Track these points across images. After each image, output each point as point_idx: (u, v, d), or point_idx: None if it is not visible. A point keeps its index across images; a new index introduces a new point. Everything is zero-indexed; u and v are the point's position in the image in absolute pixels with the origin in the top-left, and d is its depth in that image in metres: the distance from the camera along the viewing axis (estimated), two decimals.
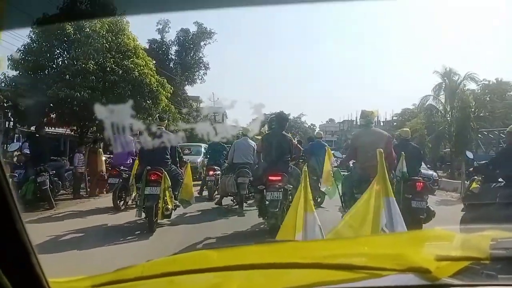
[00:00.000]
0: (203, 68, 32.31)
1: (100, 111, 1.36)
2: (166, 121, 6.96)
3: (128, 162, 8.40)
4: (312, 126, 60.35)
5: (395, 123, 56.47)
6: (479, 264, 0.81)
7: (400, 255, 0.81)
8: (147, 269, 0.82)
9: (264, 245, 1.00)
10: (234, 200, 8.39)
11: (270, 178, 5.67)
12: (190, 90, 32.50)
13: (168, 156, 6.29)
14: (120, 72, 12.25)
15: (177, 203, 6.60)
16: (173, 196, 6.32)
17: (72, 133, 14.13)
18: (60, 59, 13.22)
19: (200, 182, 11.12)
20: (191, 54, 31.55)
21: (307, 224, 2.50)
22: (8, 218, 0.63)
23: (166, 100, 14.16)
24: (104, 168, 10.25)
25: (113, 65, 12.21)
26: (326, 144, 9.59)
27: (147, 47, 30.37)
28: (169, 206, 6.00)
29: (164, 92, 13.76)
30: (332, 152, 8.54)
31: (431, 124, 27.19)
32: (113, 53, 12.48)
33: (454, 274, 0.79)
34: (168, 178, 5.97)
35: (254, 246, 0.97)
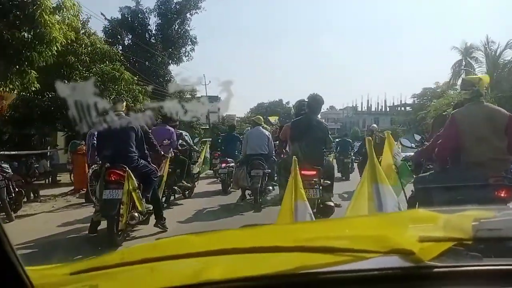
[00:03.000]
0: (190, 43, 32.08)
1: None
2: (124, 103, 5.87)
3: (169, 155, 8.41)
4: None
5: (408, 108, 57.59)
6: (463, 245, 0.92)
7: (383, 237, 0.91)
8: (127, 256, 0.92)
9: (247, 229, 1.10)
10: (250, 195, 8.62)
11: (303, 173, 5.24)
12: (176, 70, 32.35)
13: (134, 149, 5.54)
14: None
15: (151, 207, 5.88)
16: (144, 199, 5.60)
17: None
18: None
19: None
20: (175, 27, 31.23)
21: (297, 212, 2.73)
22: None
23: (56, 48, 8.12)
24: None
25: None
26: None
27: (119, 17, 30.09)
28: (136, 214, 5.31)
29: (57, 26, 7.94)
30: (400, 141, 6.88)
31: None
32: None
33: (438, 255, 0.89)
34: (133, 177, 5.25)
35: (237, 231, 1.07)
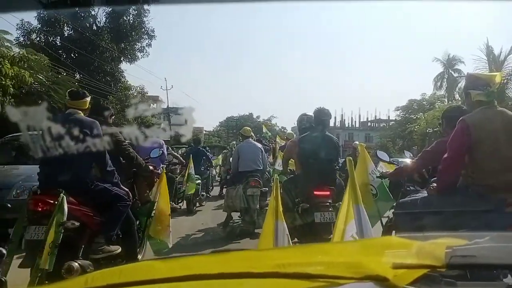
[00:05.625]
0: (146, 36, 31.66)
1: None
2: (86, 98, 4.73)
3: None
4: (283, 129, 64.30)
5: (382, 124, 62.32)
6: (437, 272, 1.07)
7: (358, 263, 1.05)
8: (90, 281, 1.01)
9: (217, 254, 1.22)
10: (240, 217, 8.81)
11: (316, 193, 5.55)
12: (129, 69, 32.05)
13: (86, 165, 4.47)
14: None
15: (102, 250, 4.56)
16: (104, 239, 4.55)
17: None
18: None
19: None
20: (129, 18, 30.81)
21: (278, 233, 2.97)
22: None
23: None
24: None
25: None
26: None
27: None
28: (75, 264, 4.00)
29: None
30: (376, 153, 6.52)
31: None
32: None
33: (412, 282, 1.04)
34: (64, 209, 3.92)
35: (206, 256, 1.18)
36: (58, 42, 30.57)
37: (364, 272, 1.02)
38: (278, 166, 10.39)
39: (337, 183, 6.13)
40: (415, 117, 38.34)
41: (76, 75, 25.53)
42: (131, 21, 30.96)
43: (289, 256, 1.18)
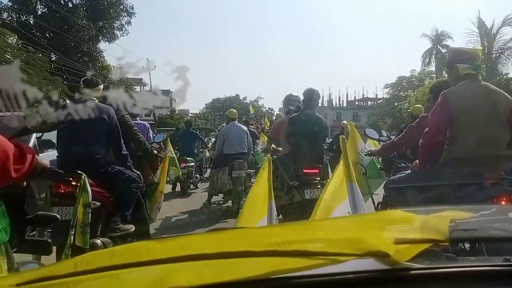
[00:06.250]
0: (125, 14, 31.00)
1: None
2: (101, 87, 5.10)
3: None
4: (270, 110, 64.69)
5: (369, 102, 63.81)
6: (439, 246, 1.08)
7: (358, 239, 1.04)
8: (80, 264, 0.99)
9: (214, 233, 1.21)
10: (225, 198, 9.37)
11: (305, 171, 5.96)
12: (108, 49, 31.45)
13: (101, 149, 4.85)
14: None
15: (118, 231, 5.02)
16: (120, 219, 5.00)
17: None
18: None
19: None
20: None
21: (271, 211, 3.05)
22: None
23: None
24: None
25: None
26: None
27: None
28: (98, 241, 4.39)
29: None
30: (365, 131, 6.69)
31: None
32: None
33: (414, 257, 1.04)
34: (88, 190, 4.17)
35: (202, 235, 1.17)
36: (31, 21, 29.89)
37: (364, 248, 1.01)
38: (260, 147, 10.70)
39: (324, 162, 6.55)
40: (404, 94, 38.69)
41: (52, 55, 25.02)
42: None
43: (287, 233, 1.18)
